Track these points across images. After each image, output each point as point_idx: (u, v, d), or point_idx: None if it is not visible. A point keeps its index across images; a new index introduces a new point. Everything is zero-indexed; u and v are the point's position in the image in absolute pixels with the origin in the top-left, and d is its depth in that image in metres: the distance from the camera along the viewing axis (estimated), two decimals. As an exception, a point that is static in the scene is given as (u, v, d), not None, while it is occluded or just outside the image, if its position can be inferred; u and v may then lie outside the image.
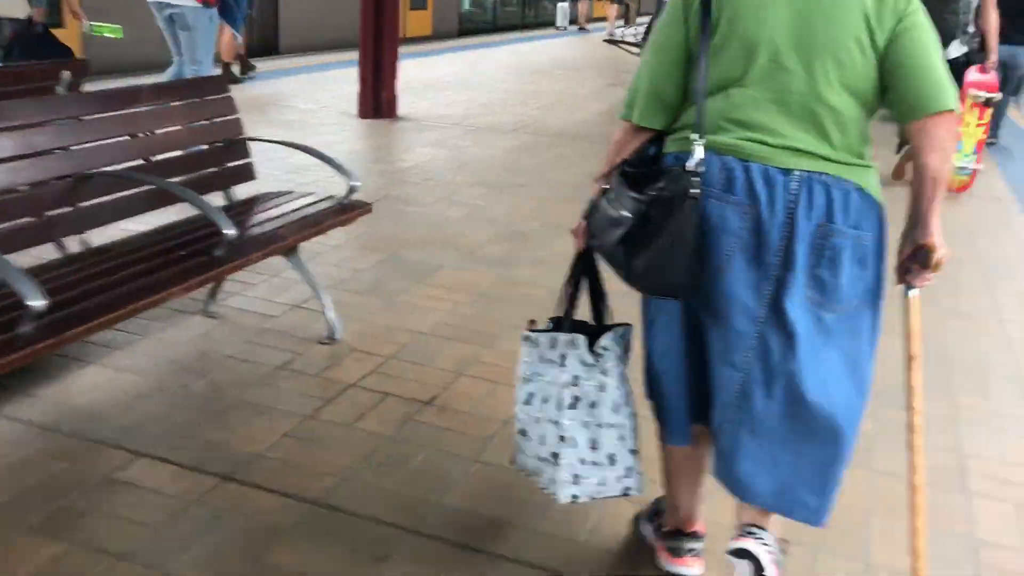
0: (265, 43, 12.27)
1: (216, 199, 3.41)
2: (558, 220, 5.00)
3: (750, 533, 1.93)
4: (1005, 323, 4.03)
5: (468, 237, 4.67)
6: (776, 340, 1.80)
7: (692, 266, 1.77)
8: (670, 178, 1.77)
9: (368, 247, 4.39)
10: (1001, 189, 6.84)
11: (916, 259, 1.87)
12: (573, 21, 21.02)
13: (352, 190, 3.24)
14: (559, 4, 21.25)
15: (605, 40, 16.30)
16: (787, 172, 1.75)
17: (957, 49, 6.07)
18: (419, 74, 10.78)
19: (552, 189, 5.73)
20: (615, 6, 18.68)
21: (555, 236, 4.77)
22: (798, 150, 1.76)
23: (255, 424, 2.69)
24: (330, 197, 3.38)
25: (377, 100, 7.83)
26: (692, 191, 1.74)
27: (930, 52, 1.76)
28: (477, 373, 3.12)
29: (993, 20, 6.29)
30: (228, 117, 3.42)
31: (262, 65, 10.27)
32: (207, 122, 3.35)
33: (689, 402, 1.98)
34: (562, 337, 1.98)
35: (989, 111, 6.51)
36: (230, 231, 2.61)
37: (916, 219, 1.85)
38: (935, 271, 1.86)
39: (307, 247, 4.12)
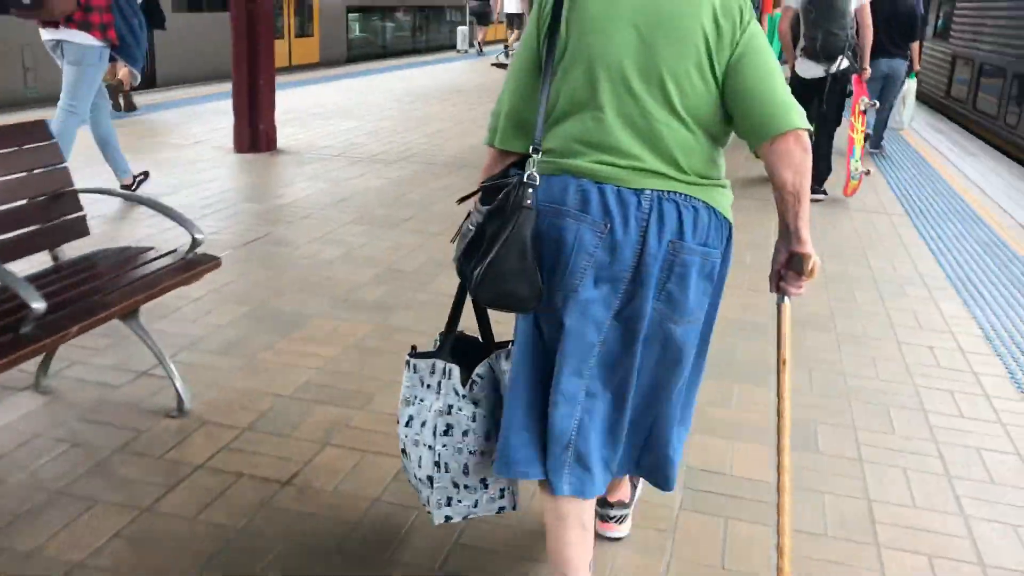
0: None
1: (43, 259, 3.04)
2: (442, 255, 4.74)
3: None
4: (902, 346, 3.92)
5: (344, 280, 4.34)
6: (620, 349, 1.88)
7: (529, 276, 1.82)
8: (507, 189, 1.83)
9: (232, 298, 4.02)
10: (889, 200, 6.88)
11: (791, 266, 1.93)
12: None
13: (196, 243, 2.88)
14: (459, 28, 21.13)
15: (493, 64, 16.14)
16: (639, 192, 1.80)
17: (844, 63, 6.41)
18: (303, 103, 10.40)
19: (437, 222, 5.45)
20: (514, 30, 18.63)
21: (438, 273, 4.50)
22: (648, 171, 1.81)
23: (79, 524, 2.31)
24: (173, 252, 3.01)
25: (254, 133, 7.43)
26: (524, 202, 1.79)
27: (770, 76, 1.82)
28: (345, 441, 2.80)
29: (868, 37, 6.63)
30: (55, 167, 3.03)
31: (138, 99, 9.73)
32: (28, 173, 2.95)
33: (525, 438, 1.96)
34: (439, 365, 2.03)
35: (865, 118, 7.00)
36: (38, 305, 2.24)
37: (787, 232, 1.91)
38: (810, 278, 1.90)
39: (164, 301, 3.76)
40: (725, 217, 1.90)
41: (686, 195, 1.82)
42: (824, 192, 6.76)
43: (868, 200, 6.84)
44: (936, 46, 14.60)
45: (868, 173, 7.29)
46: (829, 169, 6.80)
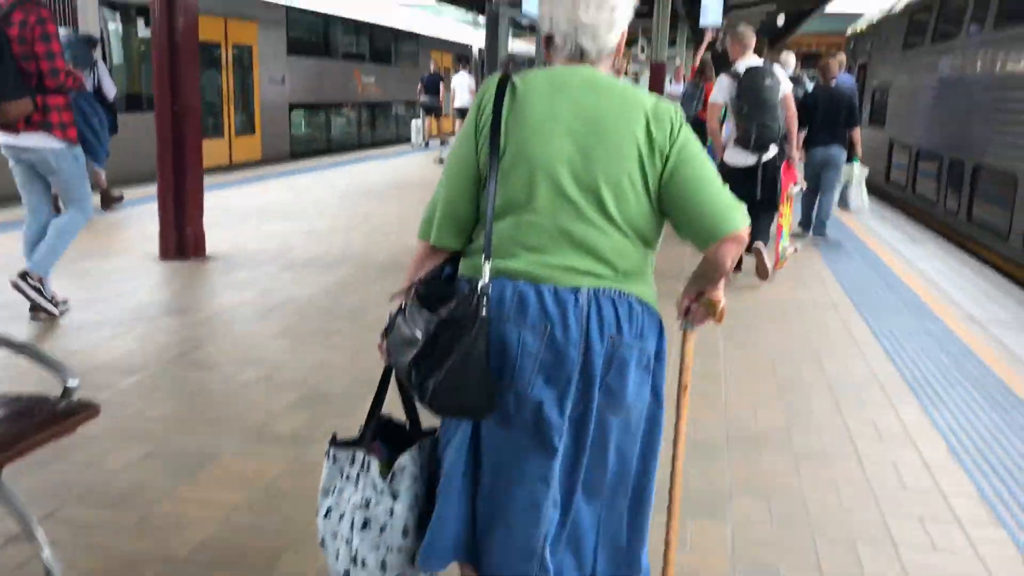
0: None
1: None
2: (372, 374, 4.37)
3: None
4: (864, 463, 3.65)
5: (260, 407, 3.98)
6: (569, 446, 1.90)
7: (485, 387, 1.81)
8: (460, 299, 1.83)
9: (134, 435, 3.63)
10: (837, 293, 6.72)
11: (700, 302, 2.08)
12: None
13: (67, 393, 2.52)
14: (414, 120, 21.21)
15: (436, 162, 16.02)
16: (575, 291, 1.84)
17: (774, 151, 6.73)
18: (240, 203, 10.11)
19: (370, 333, 5.08)
20: (461, 121, 18.68)
21: (365, 396, 4.10)
22: (583, 271, 1.86)
23: None
24: (44, 399, 2.64)
25: (181, 239, 7.09)
26: (481, 312, 1.80)
27: (708, 183, 1.88)
28: (241, 619, 2.42)
29: (793, 124, 6.99)
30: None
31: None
32: None
33: (457, 531, 1.97)
34: (359, 456, 2.01)
35: (793, 203, 7.64)
36: None
37: (703, 280, 2.03)
38: (719, 321, 2.10)
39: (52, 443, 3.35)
40: (655, 310, 1.96)
41: (620, 291, 1.88)
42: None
43: (816, 293, 6.69)
44: (873, 132, 14.87)
45: (796, 251, 7.72)
46: (765, 264, 6.84)
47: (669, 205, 1.89)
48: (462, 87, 16.82)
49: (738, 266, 6.92)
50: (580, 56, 1.97)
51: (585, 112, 1.87)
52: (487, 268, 1.84)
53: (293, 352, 4.80)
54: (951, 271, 7.77)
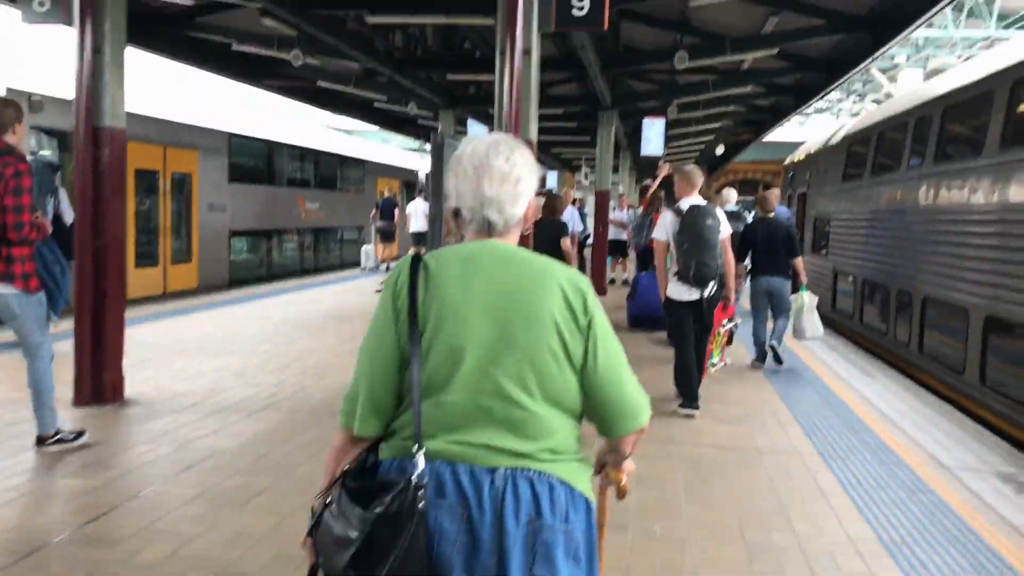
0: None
1: None
2: (297, 547, 3.88)
3: None
4: (852, 654, 3.23)
5: (162, 599, 3.44)
6: None
7: None
8: (395, 493, 1.75)
9: (3, 640, 3.07)
10: (798, 436, 6.40)
11: (606, 473, 2.14)
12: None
13: None
14: (365, 246, 20.99)
15: (376, 292, 15.68)
16: (492, 470, 1.81)
17: (711, 288, 6.86)
18: (169, 338, 9.58)
19: (299, 492, 4.63)
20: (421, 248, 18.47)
21: (292, 573, 3.65)
22: (502, 450, 1.82)
23: None
24: None
25: (97, 384, 6.54)
26: (419, 506, 1.74)
27: (620, 374, 1.93)
28: None
29: (731, 265, 7.14)
30: None
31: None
32: None
33: None
34: None
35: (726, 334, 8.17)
36: None
37: (607, 458, 2.10)
38: (620, 498, 2.15)
39: None
40: (582, 494, 1.90)
41: (540, 472, 1.83)
42: (697, 407, 6.94)
43: (776, 437, 6.36)
44: (817, 261, 14.98)
45: (726, 364, 8.21)
46: (699, 383, 7.09)
47: (584, 390, 1.91)
48: (417, 213, 16.71)
49: (693, 403, 7.02)
50: (488, 229, 2.00)
51: (500, 287, 1.88)
52: (421, 457, 1.80)
53: (207, 521, 4.27)
54: (910, 409, 7.53)
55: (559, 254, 9.12)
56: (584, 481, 1.92)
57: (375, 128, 26.52)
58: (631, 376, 1.95)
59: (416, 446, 1.81)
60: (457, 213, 2.03)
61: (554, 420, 1.87)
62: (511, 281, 1.90)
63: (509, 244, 2.01)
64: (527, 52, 6.61)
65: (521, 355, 1.84)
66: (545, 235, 9.18)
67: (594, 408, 1.92)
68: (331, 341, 9.92)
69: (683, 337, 6.97)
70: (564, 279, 1.92)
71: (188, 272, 16.08)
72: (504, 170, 1.99)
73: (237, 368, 8.10)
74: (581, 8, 6.73)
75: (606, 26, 6.92)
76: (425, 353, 1.86)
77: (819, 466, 5.67)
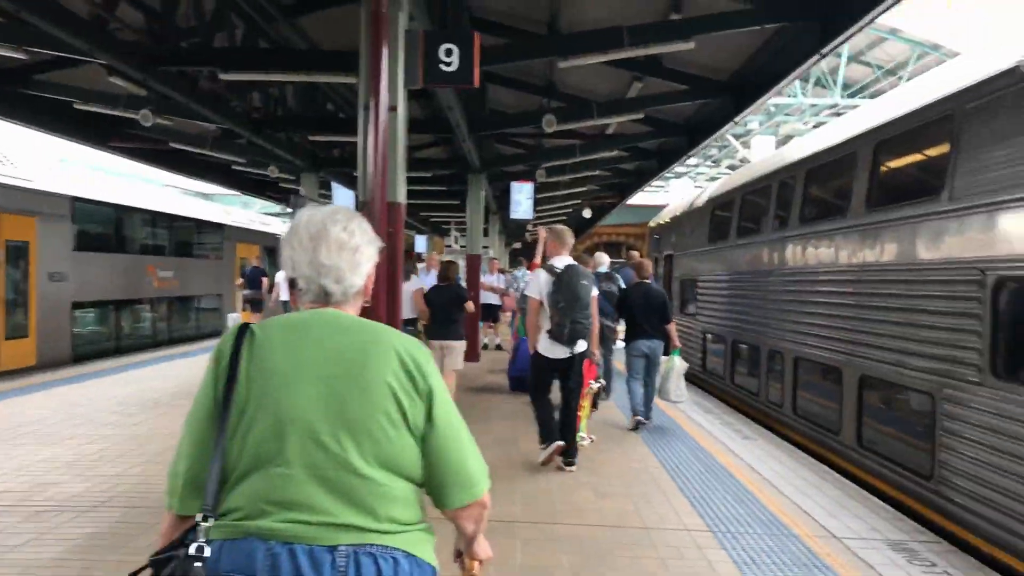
0: None
1: None
2: None
3: None
4: None
5: None
6: None
7: None
8: (176, 564, 1.72)
9: None
10: (686, 511, 6.08)
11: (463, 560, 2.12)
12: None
13: None
14: (230, 314, 19.90)
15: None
16: (333, 549, 1.74)
17: (582, 345, 7.02)
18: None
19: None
20: None
21: None
22: (342, 525, 1.76)
23: None
24: None
25: None
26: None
27: (459, 442, 1.91)
28: None
29: (595, 329, 7.33)
30: None
31: None
32: None
33: None
34: None
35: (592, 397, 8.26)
36: None
37: (460, 539, 2.07)
38: None
39: None
40: (428, 563, 1.87)
41: (384, 546, 1.78)
42: (560, 440, 7.09)
43: (663, 511, 6.03)
44: (685, 322, 15.06)
45: (593, 440, 8.02)
46: (575, 439, 7.21)
47: (423, 458, 1.89)
48: (285, 281, 15.99)
49: (572, 460, 7.24)
50: (325, 298, 1.97)
51: (333, 355, 1.85)
52: (203, 528, 1.76)
53: (11, 659, 3.54)
54: (791, 472, 7.38)
55: (457, 320, 9.33)
56: (429, 550, 1.89)
57: (236, 192, 25.58)
58: (472, 445, 1.93)
59: (203, 517, 1.77)
60: (293, 284, 1.99)
61: (394, 487, 1.83)
62: (344, 348, 1.86)
63: (343, 312, 1.98)
64: (393, 108, 6.21)
65: (356, 422, 1.79)
66: (441, 299, 9.30)
67: (431, 475, 1.89)
68: (180, 421, 9.05)
69: (543, 393, 7.21)
70: (400, 345, 1.90)
71: (25, 348, 14.71)
72: (342, 239, 1.97)
73: (70, 458, 7.20)
74: (449, 64, 6.42)
75: (476, 82, 6.64)
76: (250, 423, 1.80)
77: (710, 543, 5.35)
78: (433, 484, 1.90)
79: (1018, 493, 5.12)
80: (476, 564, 2.10)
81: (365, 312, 2.11)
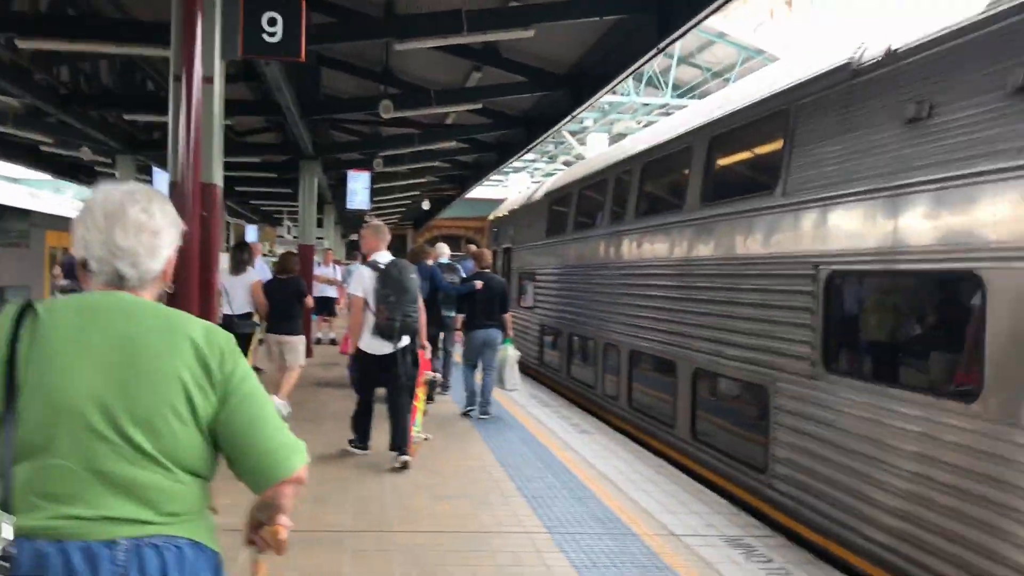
0: None
1: None
2: None
3: None
4: None
5: None
6: None
7: None
8: None
9: None
10: (524, 511, 5.86)
11: (261, 534, 1.92)
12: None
13: None
14: None
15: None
16: (111, 544, 1.65)
17: (406, 340, 6.94)
18: None
19: None
20: None
21: None
22: (121, 519, 1.67)
23: None
24: None
25: None
26: None
27: (263, 421, 1.82)
28: None
29: (422, 320, 7.25)
30: None
31: None
32: None
33: None
34: None
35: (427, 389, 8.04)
36: None
37: (263, 514, 1.91)
38: (279, 554, 1.91)
39: None
40: (210, 548, 1.81)
41: (166, 535, 1.71)
42: (367, 448, 7.23)
43: (501, 514, 5.78)
44: (523, 315, 14.97)
45: (428, 439, 7.77)
46: (406, 436, 7.04)
47: (224, 442, 1.81)
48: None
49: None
50: (119, 282, 1.85)
51: (120, 341, 1.75)
52: (7, 527, 1.60)
53: None
54: (628, 467, 7.32)
55: (297, 315, 9.03)
56: (212, 537, 1.83)
57: (47, 176, 23.61)
58: (280, 424, 1.86)
59: (4, 514, 1.63)
60: (85, 264, 1.86)
61: (178, 482, 1.75)
62: (134, 335, 1.76)
63: (140, 297, 1.86)
64: (208, 80, 5.63)
65: (139, 414, 1.71)
66: (283, 293, 8.92)
67: (243, 458, 1.81)
68: None
69: (368, 392, 7.22)
70: (199, 334, 1.81)
71: None
72: (141, 220, 1.85)
73: None
74: (273, 34, 5.89)
75: (303, 56, 6.13)
76: (24, 410, 1.68)
77: (549, 546, 5.14)
78: (247, 466, 1.82)
79: (849, 487, 5.18)
80: (281, 528, 1.92)
81: (172, 301, 1.93)
